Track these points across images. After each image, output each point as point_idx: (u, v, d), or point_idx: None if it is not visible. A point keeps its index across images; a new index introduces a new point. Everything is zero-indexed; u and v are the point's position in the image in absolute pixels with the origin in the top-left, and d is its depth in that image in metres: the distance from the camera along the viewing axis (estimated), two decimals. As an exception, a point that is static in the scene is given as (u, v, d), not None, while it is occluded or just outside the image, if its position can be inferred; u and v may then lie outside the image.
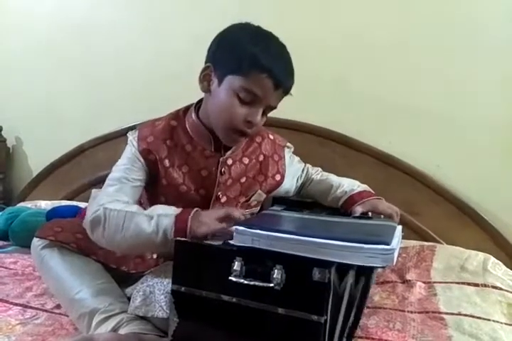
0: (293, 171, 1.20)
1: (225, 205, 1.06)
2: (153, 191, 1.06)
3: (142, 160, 1.02)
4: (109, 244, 0.94)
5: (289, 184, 1.19)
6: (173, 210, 0.89)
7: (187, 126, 1.05)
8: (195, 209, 0.89)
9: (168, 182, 1.03)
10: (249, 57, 0.90)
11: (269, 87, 0.92)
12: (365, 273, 0.85)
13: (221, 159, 1.04)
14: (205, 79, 0.99)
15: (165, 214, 0.88)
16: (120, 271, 1.06)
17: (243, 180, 1.08)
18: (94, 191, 1.05)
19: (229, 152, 1.06)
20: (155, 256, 1.09)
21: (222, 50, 0.96)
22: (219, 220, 0.86)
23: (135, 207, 0.93)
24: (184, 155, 1.04)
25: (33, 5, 1.95)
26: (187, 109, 1.08)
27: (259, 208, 1.17)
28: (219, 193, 1.05)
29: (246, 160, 1.08)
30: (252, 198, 1.11)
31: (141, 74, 1.80)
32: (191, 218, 0.85)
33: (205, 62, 0.99)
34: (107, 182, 1.00)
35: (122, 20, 1.83)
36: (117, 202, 0.94)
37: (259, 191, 1.10)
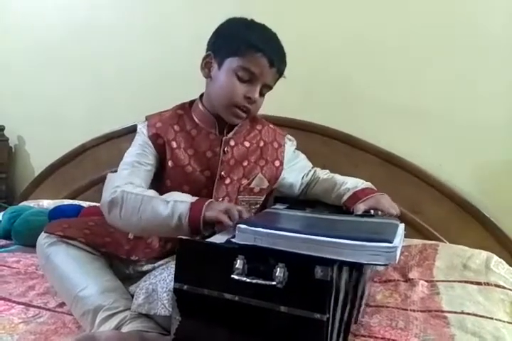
0: (299, 167, 1.24)
1: (229, 187, 1.11)
2: (158, 176, 1.10)
3: (152, 145, 1.08)
4: (125, 224, 0.99)
5: (294, 179, 1.22)
6: (189, 198, 0.93)
7: (193, 115, 1.13)
8: (210, 199, 0.93)
9: (174, 163, 1.08)
10: (246, 41, 1.02)
11: (265, 65, 1.02)
12: (356, 268, 0.84)
13: (224, 138, 1.11)
14: (206, 66, 1.09)
15: (181, 200, 0.92)
16: (129, 261, 1.08)
17: (245, 163, 1.13)
18: (109, 174, 1.08)
19: (231, 133, 1.12)
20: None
21: (221, 38, 1.07)
22: (223, 212, 0.88)
23: (151, 192, 0.98)
24: (190, 139, 1.10)
25: (36, 5, 1.95)
26: (192, 101, 1.16)
27: (263, 198, 1.18)
28: (222, 173, 1.10)
29: (247, 144, 1.14)
30: (254, 182, 1.14)
31: (143, 73, 1.80)
32: (205, 206, 0.89)
33: (206, 52, 1.09)
34: (120, 167, 1.06)
35: (123, 21, 1.83)
36: (131, 184, 0.99)
37: (260, 175, 1.15)
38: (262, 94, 1.07)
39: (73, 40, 1.90)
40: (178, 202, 0.91)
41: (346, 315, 0.82)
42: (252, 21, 1.07)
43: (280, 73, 1.07)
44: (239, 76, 1.02)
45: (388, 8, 1.52)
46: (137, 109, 1.58)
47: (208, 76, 1.09)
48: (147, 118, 1.14)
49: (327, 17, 1.58)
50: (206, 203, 0.90)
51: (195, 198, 0.93)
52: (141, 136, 1.10)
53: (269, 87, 1.08)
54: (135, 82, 1.82)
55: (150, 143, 1.08)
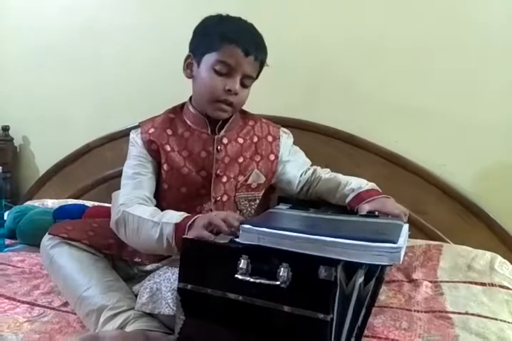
0: (299, 163, 1.23)
1: (226, 185, 1.12)
2: (155, 181, 1.11)
3: (147, 152, 1.11)
4: (131, 243, 1.03)
5: (293, 174, 1.22)
6: (176, 218, 0.92)
7: (184, 117, 1.14)
8: (197, 216, 0.91)
9: (170, 166, 1.09)
10: (218, 34, 1.03)
11: (240, 55, 1.02)
12: (375, 273, 0.84)
13: (216, 137, 1.11)
14: (187, 67, 1.11)
15: (167, 221, 0.92)
16: (133, 262, 1.10)
17: (241, 159, 1.13)
18: (114, 193, 1.10)
19: (223, 131, 1.13)
20: None
21: (197, 38, 1.09)
22: (204, 227, 0.86)
23: (150, 211, 0.98)
24: (183, 141, 1.12)
25: (39, 6, 1.96)
26: (183, 104, 1.17)
27: (261, 194, 1.18)
28: (218, 171, 1.10)
29: (241, 140, 1.15)
30: (250, 178, 1.15)
31: (147, 73, 1.80)
32: (189, 226, 0.88)
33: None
34: (122, 182, 1.09)
35: (126, 22, 1.83)
36: (136, 199, 1.02)
37: (256, 170, 1.15)
38: (245, 86, 1.07)
39: (77, 41, 1.90)
40: (165, 224, 0.92)
41: (361, 319, 0.81)
42: (226, 16, 1.08)
43: (260, 62, 1.07)
44: (217, 70, 1.03)
45: (390, 8, 1.51)
46: (141, 108, 1.60)
47: (190, 76, 1.11)
48: (140, 124, 1.15)
49: (329, 17, 1.57)
50: (189, 222, 0.89)
51: (182, 217, 0.92)
52: (135, 147, 1.12)
53: (251, 78, 1.08)
54: (139, 81, 1.82)
55: (144, 150, 1.10)
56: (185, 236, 0.81)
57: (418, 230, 1.45)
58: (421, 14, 1.49)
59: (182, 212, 0.95)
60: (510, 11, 1.41)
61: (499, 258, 1.29)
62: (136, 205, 1.01)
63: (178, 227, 0.90)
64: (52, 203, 1.77)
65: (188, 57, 1.10)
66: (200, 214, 0.93)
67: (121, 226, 1.00)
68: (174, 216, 0.94)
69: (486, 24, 1.43)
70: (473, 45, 1.44)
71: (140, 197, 1.04)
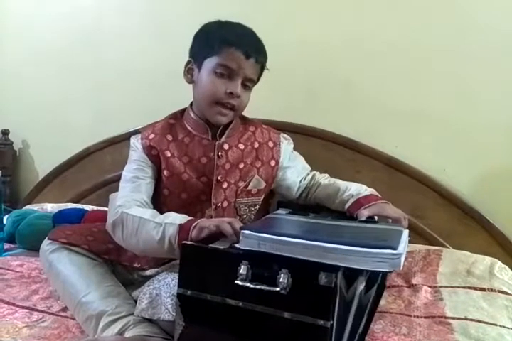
0: (298, 168, 1.24)
1: (227, 191, 1.11)
2: (155, 186, 1.11)
3: (147, 157, 1.10)
4: (128, 245, 1.00)
5: (292, 180, 1.22)
6: (179, 219, 0.92)
7: (185, 122, 1.14)
8: (201, 219, 0.91)
9: (170, 172, 1.09)
10: (219, 38, 1.04)
11: (240, 58, 1.03)
12: (377, 280, 0.84)
13: (217, 143, 1.11)
14: (188, 72, 1.11)
15: (171, 222, 0.91)
16: (132, 267, 1.09)
17: (241, 165, 1.13)
18: (111, 195, 1.10)
19: (224, 136, 1.12)
20: None
21: (197, 43, 1.10)
22: (207, 229, 0.86)
23: (150, 213, 0.98)
24: (183, 147, 1.11)
25: (38, 13, 1.96)
26: (183, 110, 1.18)
27: (261, 199, 1.18)
28: (219, 177, 1.10)
29: (242, 146, 1.15)
30: (251, 184, 1.15)
31: (146, 78, 1.80)
32: (193, 227, 0.88)
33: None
34: (120, 185, 1.08)
35: (126, 27, 1.83)
36: (134, 201, 1.02)
37: (257, 176, 1.15)
38: (246, 89, 1.08)
39: (77, 46, 1.90)
40: (168, 225, 0.91)
41: (362, 326, 0.81)
42: (226, 21, 1.09)
43: (261, 65, 1.08)
44: (218, 73, 1.04)
45: (388, 10, 1.52)
46: (140, 113, 1.61)
47: (190, 81, 1.11)
48: (140, 130, 1.15)
49: (327, 20, 1.57)
50: (194, 224, 0.88)
51: (185, 219, 0.92)
52: (135, 151, 1.12)
53: (252, 81, 1.08)
54: (138, 86, 1.82)
55: (144, 156, 1.10)
56: (184, 242, 0.81)
57: (417, 235, 1.45)
58: (420, 17, 1.49)
59: (184, 215, 0.95)
60: (510, 11, 1.41)
61: (499, 264, 1.29)
62: (134, 207, 1.01)
63: (182, 228, 0.89)
64: (51, 207, 1.76)
65: (188, 62, 1.11)
66: (204, 218, 0.94)
67: (118, 227, 0.99)
68: (177, 217, 0.94)
69: (485, 26, 1.43)
70: (474, 48, 1.44)
71: (138, 200, 1.03)
